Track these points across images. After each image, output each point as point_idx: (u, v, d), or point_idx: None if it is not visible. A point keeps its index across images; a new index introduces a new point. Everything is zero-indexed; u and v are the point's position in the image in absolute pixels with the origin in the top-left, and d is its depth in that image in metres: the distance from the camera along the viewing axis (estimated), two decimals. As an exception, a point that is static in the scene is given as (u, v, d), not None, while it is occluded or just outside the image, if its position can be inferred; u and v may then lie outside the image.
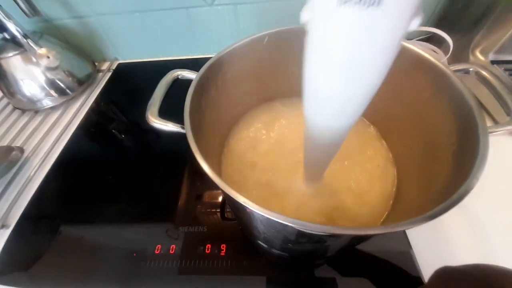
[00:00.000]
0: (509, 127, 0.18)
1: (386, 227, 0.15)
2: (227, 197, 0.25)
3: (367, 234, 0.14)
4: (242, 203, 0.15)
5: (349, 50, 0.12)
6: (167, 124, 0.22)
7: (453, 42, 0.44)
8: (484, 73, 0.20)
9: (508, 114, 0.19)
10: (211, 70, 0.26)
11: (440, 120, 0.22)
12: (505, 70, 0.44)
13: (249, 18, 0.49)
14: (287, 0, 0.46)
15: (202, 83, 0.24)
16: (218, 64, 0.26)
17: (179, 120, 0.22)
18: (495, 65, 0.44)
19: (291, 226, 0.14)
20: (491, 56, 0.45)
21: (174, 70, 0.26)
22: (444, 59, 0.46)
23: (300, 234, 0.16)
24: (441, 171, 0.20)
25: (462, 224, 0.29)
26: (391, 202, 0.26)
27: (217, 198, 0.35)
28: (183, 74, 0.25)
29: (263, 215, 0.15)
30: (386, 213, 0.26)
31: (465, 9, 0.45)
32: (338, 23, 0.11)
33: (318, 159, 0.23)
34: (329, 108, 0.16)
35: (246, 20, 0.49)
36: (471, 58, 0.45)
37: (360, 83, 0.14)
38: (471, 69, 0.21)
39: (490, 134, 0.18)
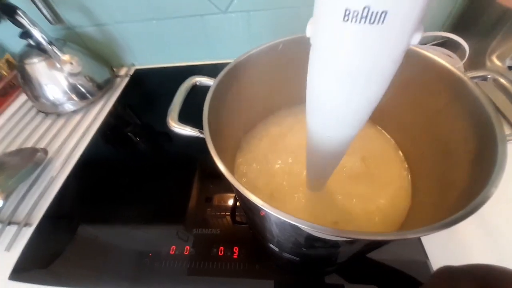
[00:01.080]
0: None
1: (399, 234, 0.15)
2: (242, 200, 0.25)
3: (381, 240, 0.14)
4: (261, 206, 0.16)
5: (351, 63, 0.12)
6: (186, 129, 0.23)
7: (469, 47, 0.43)
8: (502, 80, 0.20)
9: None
10: (228, 77, 0.26)
11: (456, 127, 0.22)
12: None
13: (262, 24, 0.50)
14: (299, 8, 0.46)
15: (219, 89, 0.25)
16: (235, 71, 0.27)
17: (196, 124, 0.23)
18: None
19: (308, 230, 0.15)
20: (509, 62, 0.44)
21: (193, 76, 0.27)
22: (460, 64, 0.45)
23: (315, 239, 0.17)
24: (457, 179, 0.19)
25: (480, 234, 0.28)
26: (406, 211, 0.26)
27: (228, 201, 0.35)
28: (201, 80, 0.26)
29: (280, 218, 0.15)
30: (401, 222, 0.26)
31: (481, 14, 0.44)
32: (342, 37, 0.12)
33: (320, 168, 0.23)
34: (331, 119, 0.16)
35: (259, 27, 0.50)
36: (488, 63, 0.44)
37: (361, 95, 0.14)
38: (489, 76, 0.21)
39: (509, 142, 0.18)
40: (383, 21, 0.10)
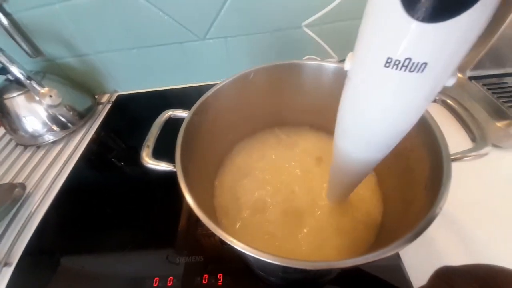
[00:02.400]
0: (473, 153, 0.19)
1: (364, 258, 0.16)
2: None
3: (349, 266, 0.15)
4: (230, 243, 0.16)
5: (386, 103, 0.14)
6: (160, 164, 0.24)
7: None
8: (448, 101, 0.22)
9: (473, 140, 0.20)
10: (202, 108, 0.28)
11: (413, 147, 0.23)
12: (483, 85, 0.46)
13: (239, 49, 0.52)
14: (273, 33, 0.49)
15: (193, 122, 0.26)
16: (208, 102, 0.28)
17: (172, 157, 0.24)
18: (473, 81, 0.46)
19: (271, 263, 0.16)
20: (469, 73, 0.47)
21: (166, 111, 0.28)
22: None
23: (285, 267, 0.17)
24: (416, 196, 0.21)
25: (451, 235, 0.29)
26: (378, 226, 0.27)
27: None
28: (175, 113, 0.27)
29: (246, 253, 0.16)
30: (375, 234, 0.27)
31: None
32: (381, 80, 0.13)
33: (346, 184, 0.25)
34: (359, 145, 0.18)
35: (236, 51, 0.53)
36: (450, 75, 0.48)
37: (392, 128, 0.15)
38: (437, 98, 0.23)
39: (459, 160, 0.19)
40: (422, 71, 0.11)
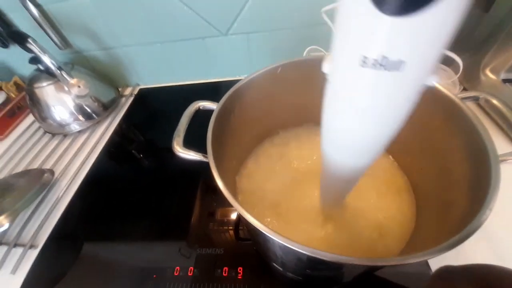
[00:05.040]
0: (521, 155, 0.18)
1: (400, 259, 0.15)
2: (245, 222, 0.26)
3: (380, 265, 0.15)
4: (265, 233, 0.16)
5: (366, 103, 0.13)
6: (190, 153, 0.24)
7: (463, 61, 0.45)
8: (494, 101, 0.21)
9: (520, 142, 0.19)
10: (230, 100, 0.27)
11: (452, 147, 0.22)
12: (517, 87, 0.43)
13: (262, 45, 0.52)
14: (296, 29, 0.49)
15: (222, 113, 0.26)
16: (236, 94, 0.28)
17: (199, 146, 0.24)
18: (507, 83, 0.44)
19: (310, 255, 0.15)
20: (503, 75, 0.45)
21: (196, 101, 0.28)
22: (455, 78, 0.46)
23: (319, 262, 0.17)
24: (456, 199, 0.20)
25: (482, 244, 0.28)
26: (411, 229, 0.26)
27: (230, 215, 0.36)
28: (204, 105, 0.28)
29: (282, 244, 0.16)
30: (407, 239, 0.26)
31: (474, 28, 0.46)
32: (358, 80, 0.12)
33: (335, 191, 0.24)
34: (345, 150, 0.17)
35: (259, 47, 0.52)
36: (482, 77, 0.46)
37: (376, 131, 0.15)
38: (480, 97, 0.22)
39: (503, 163, 0.18)
40: (399, 69, 0.11)
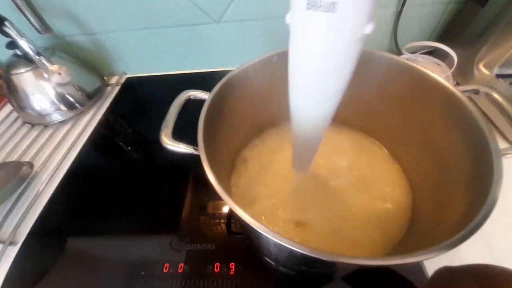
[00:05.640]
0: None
1: (395, 258, 0.14)
2: (239, 220, 0.25)
3: (378, 265, 0.14)
4: (258, 230, 0.15)
5: (317, 48, 0.15)
6: (180, 146, 0.22)
7: (457, 55, 0.45)
8: (494, 95, 0.21)
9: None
10: (223, 90, 0.26)
11: (451, 142, 0.22)
12: (511, 83, 0.44)
13: (256, 34, 0.50)
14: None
15: (214, 104, 0.25)
16: (230, 84, 0.27)
17: (189, 138, 0.23)
18: (500, 79, 0.45)
19: (305, 254, 0.14)
20: (496, 70, 0.45)
21: (186, 90, 0.26)
22: (449, 72, 0.46)
23: (314, 260, 0.16)
24: (455, 196, 0.19)
25: (478, 243, 0.28)
26: (405, 227, 0.26)
27: (222, 209, 0.35)
28: (195, 94, 0.26)
29: (276, 241, 0.15)
30: (401, 237, 0.25)
31: (469, 23, 0.46)
32: (307, 22, 0.14)
33: (303, 148, 0.25)
34: (308, 97, 0.18)
35: (253, 36, 0.50)
36: (476, 72, 0.46)
37: (329, 76, 0.16)
38: (481, 90, 0.22)
39: (503, 157, 0.18)
40: (335, 10, 0.12)
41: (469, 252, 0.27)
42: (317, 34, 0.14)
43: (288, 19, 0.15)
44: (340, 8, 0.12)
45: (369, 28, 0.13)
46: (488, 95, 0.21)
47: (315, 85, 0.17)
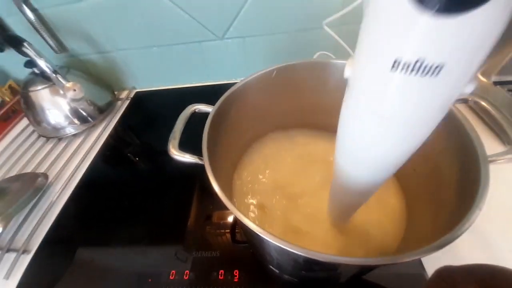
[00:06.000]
0: (509, 156, 0.19)
1: (392, 258, 0.15)
2: (242, 226, 0.26)
3: (374, 265, 0.15)
4: (260, 234, 0.16)
5: (394, 112, 0.12)
6: (186, 156, 0.24)
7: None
8: (483, 103, 0.22)
9: (509, 143, 0.20)
10: (225, 103, 0.28)
11: (442, 148, 0.23)
12: (509, 90, 0.44)
13: (258, 49, 0.52)
14: (292, 33, 0.49)
15: (217, 116, 0.26)
16: (232, 98, 0.28)
17: (195, 149, 0.24)
18: (498, 86, 0.45)
19: (302, 256, 0.15)
20: (494, 78, 0.46)
21: (192, 105, 0.28)
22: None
23: (314, 263, 0.17)
24: (446, 199, 0.20)
25: (475, 244, 0.28)
26: (403, 230, 0.26)
27: (227, 218, 0.36)
28: (200, 108, 0.28)
29: (277, 245, 0.16)
30: (399, 240, 0.26)
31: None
32: (387, 86, 0.11)
33: (343, 206, 0.23)
34: (363, 162, 0.16)
35: (255, 51, 0.53)
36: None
37: (400, 142, 0.13)
38: (469, 99, 0.23)
39: (491, 163, 0.19)
40: (437, 74, 0.09)
41: (469, 252, 0.27)
42: (400, 100, 0.11)
43: (348, 72, 0.13)
44: (446, 71, 0.09)
45: (470, 88, 0.11)
46: (476, 104, 0.22)
47: (381, 156, 0.14)
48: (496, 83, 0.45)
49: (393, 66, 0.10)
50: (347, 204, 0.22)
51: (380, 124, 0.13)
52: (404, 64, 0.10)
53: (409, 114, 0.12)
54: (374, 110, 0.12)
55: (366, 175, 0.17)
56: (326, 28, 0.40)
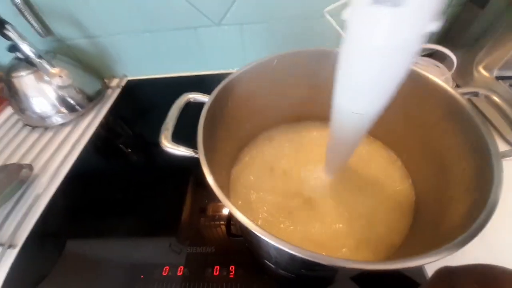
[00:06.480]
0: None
1: (397, 262, 0.14)
2: (239, 223, 0.25)
3: (379, 270, 0.14)
4: (259, 234, 0.15)
5: (378, 43, 0.14)
6: (180, 149, 0.22)
7: (456, 57, 0.45)
8: (494, 97, 0.21)
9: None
10: (223, 93, 0.26)
11: (451, 144, 0.22)
12: (510, 85, 0.44)
13: (256, 36, 0.50)
14: (292, 21, 0.47)
15: (214, 106, 0.25)
16: (230, 87, 0.27)
17: (189, 141, 0.23)
18: (500, 81, 0.44)
19: (303, 258, 0.14)
20: (496, 72, 0.45)
21: (187, 93, 0.26)
22: (448, 74, 0.46)
23: (314, 263, 0.16)
24: (455, 197, 0.19)
25: (478, 244, 0.28)
26: (407, 228, 0.26)
27: (222, 210, 0.35)
28: (195, 97, 0.26)
29: (277, 246, 0.15)
30: (402, 239, 0.25)
31: (468, 26, 0.46)
32: (371, 16, 0.14)
33: (341, 148, 0.24)
34: (359, 94, 0.18)
35: (253, 39, 0.51)
36: (475, 74, 0.46)
37: (384, 74, 0.16)
38: (480, 92, 0.22)
39: (503, 159, 0.18)
40: (401, 5, 0.12)
41: (469, 252, 0.27)
42: (379, 30, 0.14)
43: (346, 15, 0.15)
44: (407, 3, 0.12)
45: (434, 26, 0.13)
46: (487, 98, 0.21)
47: (369, 83, 0.17)
48: (498, 78, 0.45)
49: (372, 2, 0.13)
50: (344, 148, 0.24)
51: (370, 53, 0.15)
52: None
53: (390, 42, 0.14)
54: (364, 41, 0.15)
55: (361, 106, 0.18)
56: (327, 15, 0.39)
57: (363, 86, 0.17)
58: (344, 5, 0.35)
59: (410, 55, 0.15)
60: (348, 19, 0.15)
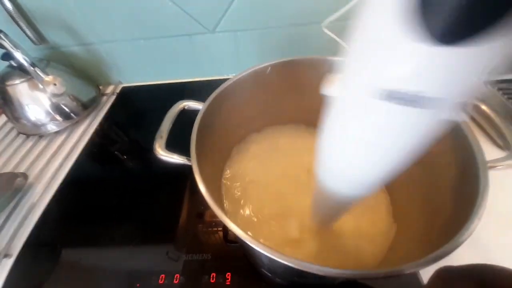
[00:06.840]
0: (509, 162, 0.18)
1: (385, 271, 0.15)
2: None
3: (369, 277, 0.14)
4: (250, 244, 0.15)
5: (376, 139, 0.11)
6: (173, 157, 0.23)
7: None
8: (482, 107, 0.21)
9: (508, 148, 0.19)
10: (217, 100, 0.26)
11: (440, 151, 0.22)
12: (499, 89, 0.44)
13: (250, 44, 0.51)
14: (286, 28, 0.48)
15: (208, 114, 0.25)
16: (224, 94, 0.27)
17: (183, 148, 0.23)
18: (494, 89, 0.45)
19: (291, 266, 0.15)
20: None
21: (181, 101, 0.27)
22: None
23: (306, 272, 0.16)
24: (442, 205, 0.20)
25: (470, 251, 0.28)
26: (391, 237, 0.26)
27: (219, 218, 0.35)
28: (189, 105, 0.26)
29: (268, 256, 0.15)
30: (388, 245, 0.26)
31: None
32: (375, 114, 0.11)
33: (325, 214, 0.23)
34: (343, 180, 0.16)
35: (247, 46, 0.51)
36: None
37: (378, 167, 0.13)
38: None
39: (491, 169, 0.18)
40: (425, 105, 0.09)
41: (469, 252, 0.27)
42: (384, 127, 0.11)
43: (329, 91, 0.12)
44: (434, 103, 0.09)
45: (461, 116, 0.10)
46: (476, 107, 0.21)
47: (359, 176, 0.14)
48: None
49: (380, 94, 0.09)
50: (328, 213, 0.22)
51: (359, 147, 0.13)
52: (392, 93, 0.09)
53: (390, 141, 0.11)
54: (355, 133, 0.12)
55: (344, 191, 0.16)
56: (325, 30, 0.39)
57: (346, 174, 0.15)
58: (342, 18, 0.35)
59: (418, 151, 0.12)
60: (335, 100, 0.12)
